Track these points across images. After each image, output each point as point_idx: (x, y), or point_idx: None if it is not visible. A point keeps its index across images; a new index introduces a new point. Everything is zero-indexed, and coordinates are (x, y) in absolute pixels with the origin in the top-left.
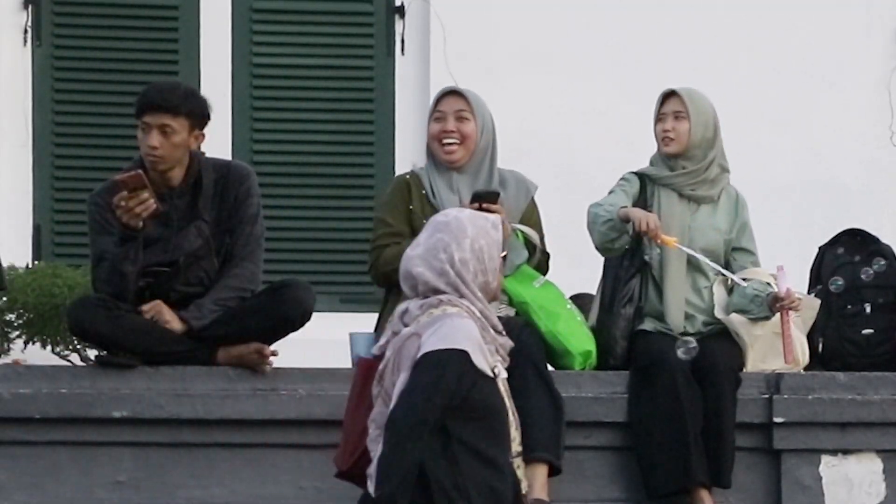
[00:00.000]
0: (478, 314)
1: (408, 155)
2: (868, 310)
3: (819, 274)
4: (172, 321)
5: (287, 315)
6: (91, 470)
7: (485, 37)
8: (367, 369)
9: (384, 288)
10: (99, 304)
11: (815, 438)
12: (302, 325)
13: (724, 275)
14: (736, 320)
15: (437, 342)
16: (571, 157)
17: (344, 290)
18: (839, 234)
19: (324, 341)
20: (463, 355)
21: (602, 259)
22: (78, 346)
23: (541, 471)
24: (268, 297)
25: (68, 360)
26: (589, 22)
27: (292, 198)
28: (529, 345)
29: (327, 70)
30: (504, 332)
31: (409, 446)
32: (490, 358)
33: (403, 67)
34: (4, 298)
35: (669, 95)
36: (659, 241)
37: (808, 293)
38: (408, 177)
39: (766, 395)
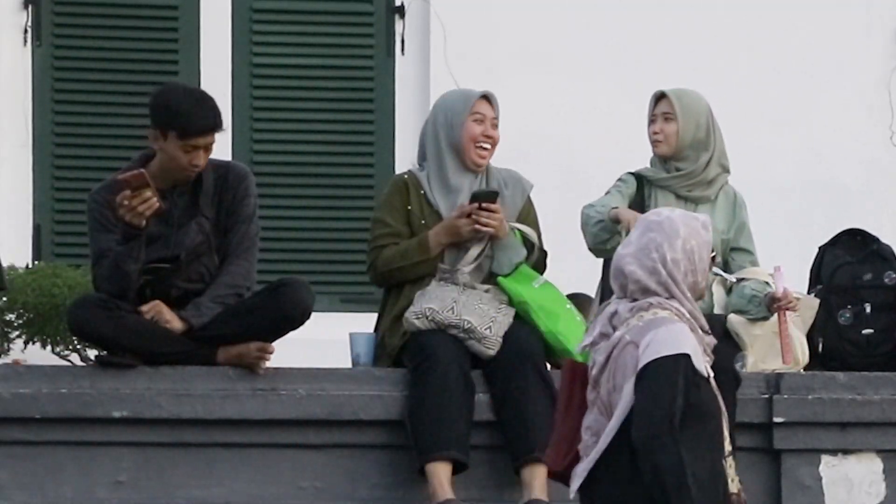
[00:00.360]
0: (687, 315)
1: (408, 155)
2: (868, 310)
3: (819, 274)
4: (172, 321)
5: (287, 314)
6: (91, 470)
7: (485, 37)
8: (572, 370)
9: (383, 288)
10: (99, 305)
11: (815, 438)
12: (302, 323)
13: (716, 274)
14: (735, 320)
15: (659, 349)
16: (571, 157)
17: (344, 290)
18: (839, 234)
19: (324, 341)
20: (686, 359)
21: (601, 259)
22: (78, 346)
23: (540, 471)
24: (267, 296)
25: (68, 360)
26: (589, 22)
27: (292, 198)
28: (529, 345)
29: (327, 70)
30: (710, 331)
31: (675, 456)
32: (704, 358)
33: (403, 67)
34: (4, 298)
35: (660, 97)
36: None
37: (808, 293)
38: (406, 177)
39: (766, 395)
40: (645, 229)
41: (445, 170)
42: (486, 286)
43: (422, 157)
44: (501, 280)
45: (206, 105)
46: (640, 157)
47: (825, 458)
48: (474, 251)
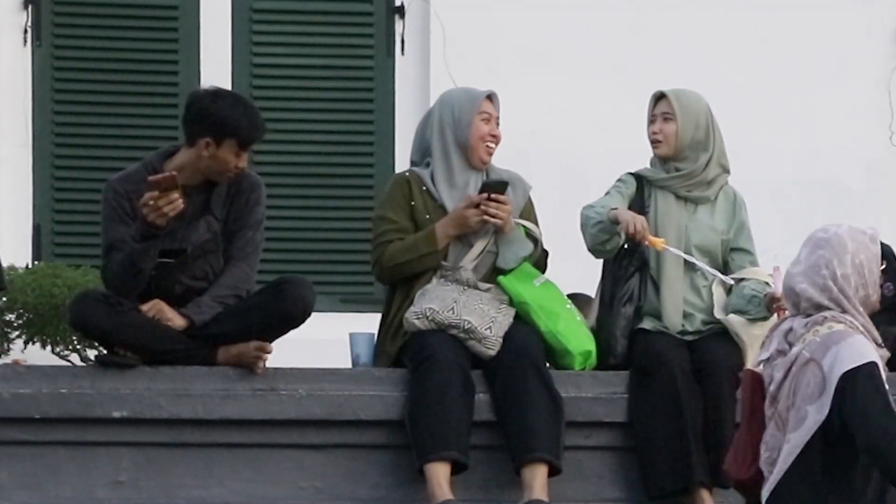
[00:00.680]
0: (860, 328)
1: (407, 155)
2: None
3: None
4: (174, 318)
5: (287, 311)
6: (91, 470)
7: (485, 37)
8: (752, 382)
9: (388, 284)
10: (101, 300)
11: None
12: (303, 321)
13: (714, 275)
14: (735, 321)
15: (848, 362)
16: (571, 157)
17: (344, 290)
18: None
19: (324, 341)
20: (876, 366)
21: (601, 259)
22: (78, 346)
23: (541, 472)
24: (268, 294)
25: (68, 360)
26: (589, 22)
27: (292, 198)
28: (529, 345)
29: (327, 70)
30: (883, 345)
31: None
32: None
33: (403, 67)
34: (4, 298)
35: (660, 97)
36: (647, 244)
37: None
38: (407, 175)
39: None
40: (814, 247)
41: (451, 167)
42: (487, 286)
43: (420, 156)
44: (502, 279)
45: (257, 113)
46: (640, 158)
47: None
48: (477, 248)
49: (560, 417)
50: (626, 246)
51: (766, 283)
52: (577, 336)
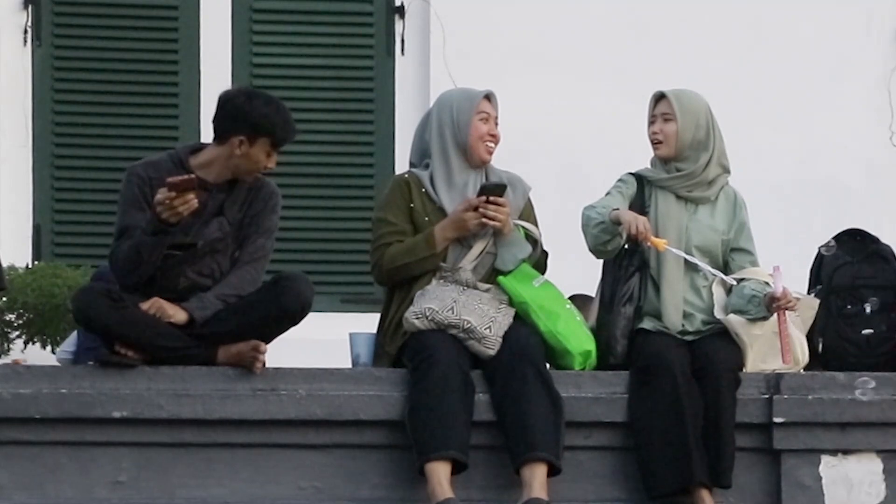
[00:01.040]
0: None
1: (407, 155)
2: (868, 310)
3: (819, 274)
4: (175, 313)
5: (286, 308)
6: (91, 470)
7: (485, 37)
8: None
9: (387, 287)
10: (104, 295)
11: (815, 438)
12: (302, 317)
13: (714, 275)
14: (735, 320)
15: None
16: (571, 157)
17: (344, 290)
18: (839, 234)
19: (324, 341)
20: None
21: (601, 259)
22: None
23: (540, 471)
24: (266, 291)
25: None
26: (589, 22)
27: (292, 198)
28: (529, 345)
29: (327, 70)
30: None
31: None
32: None
33: (403, 67)
34: (4, 298)
35: (660, 98)
36: (648, 244)
37: (808, 293)
38: (406, 176)
39: (766, 395)
40: None
41: (451, 168)
42: (487, 286)
43: (419, 158)
44: (501, 279)
45: (290, 114)
46: (641, 158)
47: (825, 459)
48: (477, 249)
49: (560, 417)
50: (626, 246)
51: (766, 283)
52: (576, 336)
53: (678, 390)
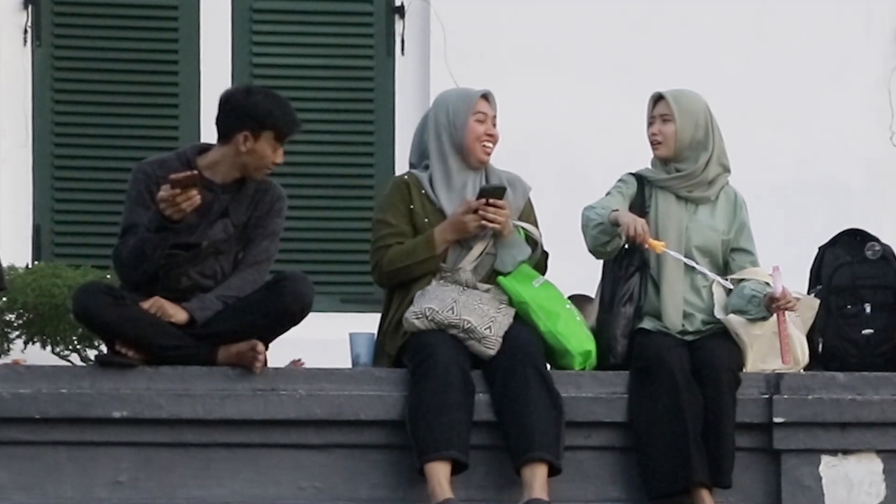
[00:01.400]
0: None
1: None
2: (868, 310)
3: (819, 274)
4: (176, 313)
5: (287, 308)
6: (91, 470)
7: (485, 37)
8: None
9: (387, 288)
10: (104, 292)
11: (815, 438)
12: (302, 318)
13: (712, 279)
14: (735, 320)
15: None
16: (571, 157)
17: (344, 290)
18: (839, 234)
19: (324, 341)
20: None
21: (601, 260)
22: (78, 346)
23: (540, 471)
24: (267, 291)
25: (68, 360)
26: (589, 22)
27: (292, 198)
28: (529, 345)
29: (327, 70)
30: None
31: None
32: None
33: (403, 67)
34: (4, 298)
35: (658, 98)
36: (647, 246)
37: (808, 293)
38: (406, 177)
39: (766, 395)
40: None
41: (449, 169)
42: (487, 286)
43: (418, 158)
44: (501, 280)
45: (291, 106)
46: (641, 158)
47: (825, 459)
48: (477, 250)
49: (560, 417)
50: (626, 246)
51: (766, 284)
52: (576, 336)
53: (678, 390)
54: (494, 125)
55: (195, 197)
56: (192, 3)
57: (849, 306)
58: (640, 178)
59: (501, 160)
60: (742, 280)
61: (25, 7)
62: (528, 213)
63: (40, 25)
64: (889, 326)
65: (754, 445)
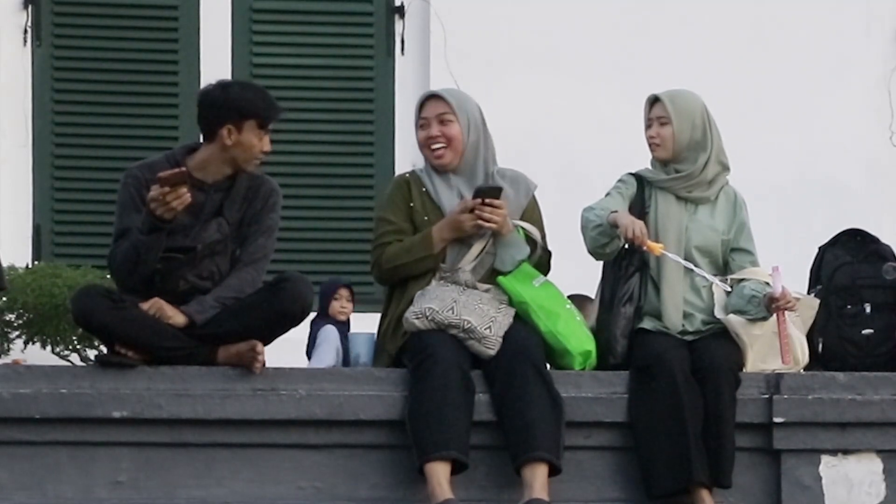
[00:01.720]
0: None
1: (408, 155)
2: (868, 310)
3: (819, 274)
4: (175, 316)
5: (286, 309)
6: (91, 470)
7: (485, 37)
8: None
9: (386, 286)
10: (103, 295)
11: (815, 438)
12: (302, 319)
13: (709, 280)
14: (734, 320)
15: None
16: (571, 157)
17: None
18: (839, 234)
19: None
20: None
21: (601, 261)
22: (78, 346)
23: (541, 471)
24: (266, 293)
25: (68, 360)
26: (589, 22)
27: (292, 198)
28: (529, 345)
29: (327, 70)
30: None
31: None
32: None
33: (403, 67)
34: (4, 298)
35: (654, 101)
36: (645, 248)
37: (808, 293)
38: (407, 176)
39: (766, 395)
40: None
41: (432, 170)
42: (487, 286)
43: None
44: (501, 279)
45: (269, 93)
46: (641, 158)
47: (825, 458)
48: (476, 249)
49: (560, 417)
50: (626, 246)
51: (766, 284)
52: (576, 336)
53: (678, 390)
54: (443, 122)
55: (185, 195)
56: (192, 3)
57: (849, 306)
58: (639, 179)
59: (501, 160)
60: (742, 280)
61: (25, 7)
62: (531, 211)
63: (40, 25)
64: (889, 326)
65: (754, 445)
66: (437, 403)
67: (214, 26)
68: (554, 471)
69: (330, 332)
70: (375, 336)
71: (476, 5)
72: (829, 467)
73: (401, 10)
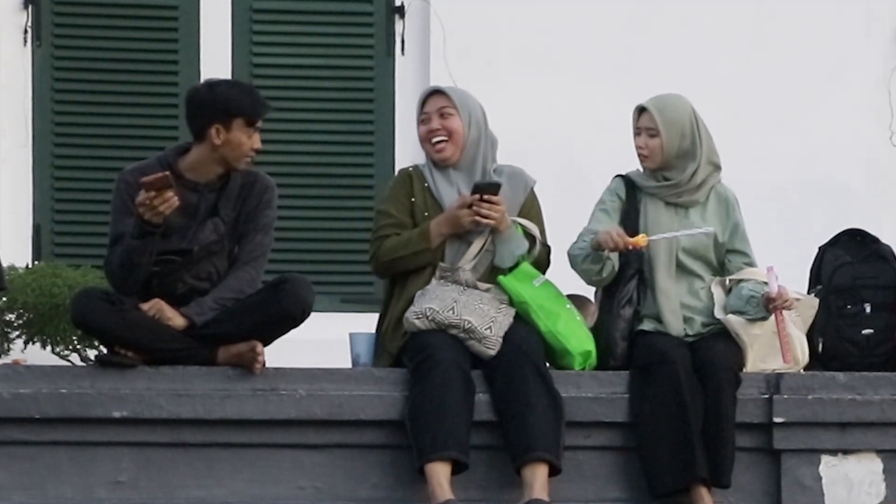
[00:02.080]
0: None
1: (408, 155)
2: (868, 310)
3: (819, 274)
4: (174, 318)
5: (287, 311)
6: (91, 470)
7: (485, 37)
8: None
9: (384, 279)
10: (102, 298)
11: (815, 438)
12: (302, 320)
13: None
14: (734, 321)
15: None
16: (571, 157)
17: (344, 290)
18: (839, 234)
19: (324, 341)
20: None
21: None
22: (78, 346)
23: (541, 471)
24: (267, 294)
25: (68, 360)
26: (589, 22)
27: (292, 198)
28: (529, 345)
29: (327, 70)
30: None
31: None
32: None
33: (403, 67)
34: (4, 298)
35: (642, 110)
36: (632, 248)
37: (808, 293)
38: (410, 170)
39: (766, 395)
40: None
41: (433, 166)
42: (487, 285)
43: None
44: (502, 279)
45: (256, 90)
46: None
47: (825, 458)
48: (475, 247)
49: (560, 417)
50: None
51: (765, 283)
52: (576, 336)
53: (681, 388)
54: (444, 116)
55: (172, 198)
56: (192, 3)
57: (849, 306)
58: (629, 181)
59: (501, 160)
60: (740, 281)
61: (25, 7)
62: (529, 207)
63: (40, 25)
64: (889, 326)
65: (754, 445)
66: (438, 403)
67: (214, 26)
68: (554, 471)
69: None
70: (375, 336)
71: (476, 5)
72: (829, 467)
73: (401, 10)
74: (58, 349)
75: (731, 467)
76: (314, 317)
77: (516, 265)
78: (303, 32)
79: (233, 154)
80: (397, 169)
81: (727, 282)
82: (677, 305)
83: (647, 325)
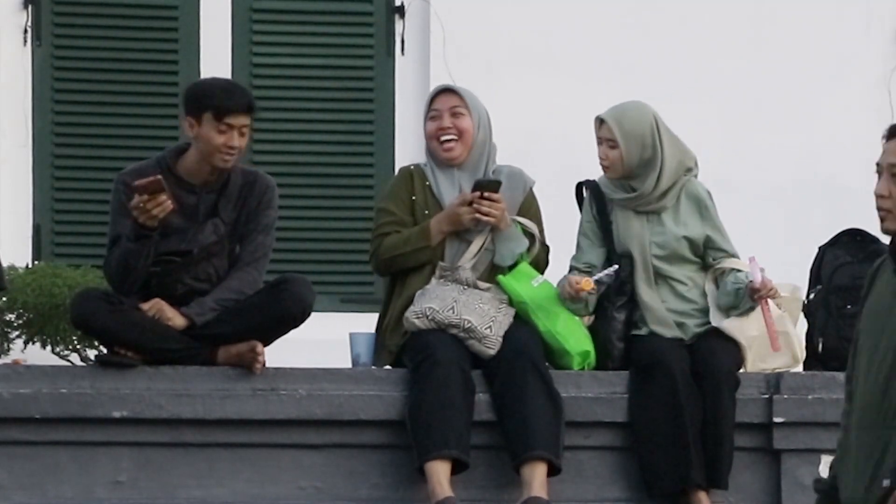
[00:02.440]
0: None
1: (408, 155)
2: None
3: (819, 274)
4: (174, 318)
5: (287, 311)
6: (91, 470)
7: (485, 37)
8: None
9: (385, 277)
10: (102, 299)
11: (815, 438)
12: (302, 321)
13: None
14: (730, 327)
15: None
16: (571, 157)
17: (344, 290)
18: (839, 234)
19: (324, 341)
20: None
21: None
22: (78, 346)
23: (540, 470)
24: (267, 294)
25: (68, 360)
26: (589, 22)
27: (292, 198)
28: (529, 344)
29: (327, 70)
30: None
31: None
32: None
33: (403, 67)
34: (4, 298)
35: (602, 121)
36: (585, 293)
37: (808, 293)
38: (412, 168)
39: (766, 395)
40: None
41: (436, 166)
42: (487, 285)
43: None
44: (501, 279)
45: (238, 87)
46: None
47: (825, 458)
48: (475, 246)
49: (560, 417)
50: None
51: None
52: (575, 336)
53: (678, 390)
54: (456, 115)
55: (165, 202)
56: (192, 3)
57: (849, 306)
58: (598, 192)
59: (501, 160)
60: (724, 272)
61: (25, 7)
62: (528, 206)
63: (40, 25)
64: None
65: (754, 445)
66: (438, 403)
67: (214, 26)
68: (553, 470)
69: None
70: (375, 336)
71: (476, 5)
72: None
73: (401, 10)
74: (58, 349)
75: (728, 469)
76: (314, 317)
77: (516, 264)
78: (303, 32)
79: (206, 150)
80: (397, 169)
81: (713, 273)
82: (665, 314)
83: (643, 330)
